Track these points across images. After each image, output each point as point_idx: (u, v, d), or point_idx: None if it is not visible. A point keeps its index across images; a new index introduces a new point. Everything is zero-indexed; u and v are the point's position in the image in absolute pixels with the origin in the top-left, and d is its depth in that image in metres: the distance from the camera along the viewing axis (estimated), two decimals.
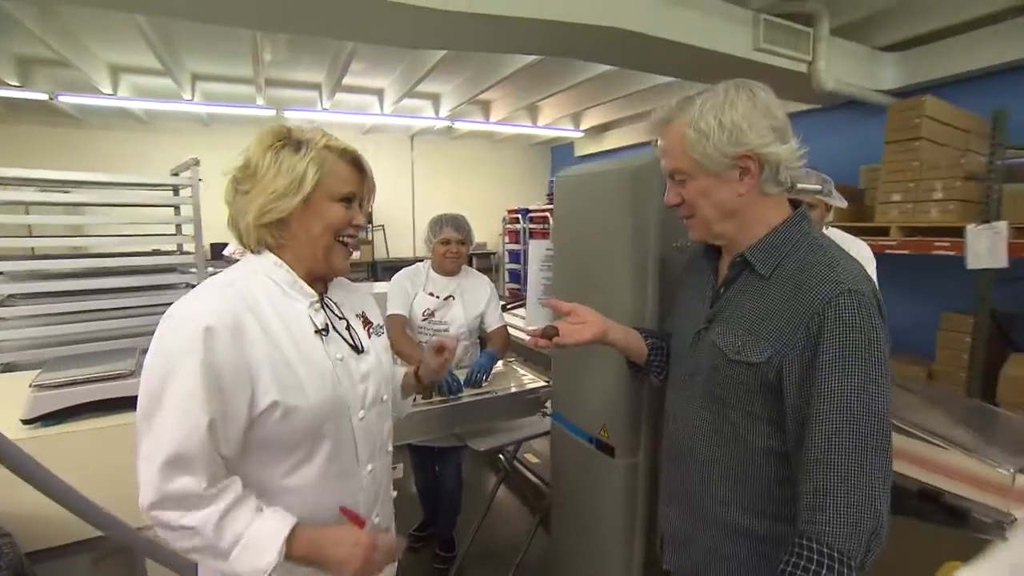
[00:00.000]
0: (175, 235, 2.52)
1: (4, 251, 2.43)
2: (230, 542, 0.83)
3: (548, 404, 2.01)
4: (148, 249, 2.53)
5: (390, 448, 1.14)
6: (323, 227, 0.96)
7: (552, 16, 2.98)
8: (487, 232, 9.19)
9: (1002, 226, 3.03)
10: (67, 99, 5.39)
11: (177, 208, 2.45)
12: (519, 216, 7.33)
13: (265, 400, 0.87)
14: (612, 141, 8.16)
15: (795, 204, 1.00)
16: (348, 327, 1.04)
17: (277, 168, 0.92)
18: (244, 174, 0.94)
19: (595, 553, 1.60)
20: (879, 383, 0.81)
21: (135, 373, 1.38)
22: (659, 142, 1.00)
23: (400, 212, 8.54)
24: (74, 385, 1.30)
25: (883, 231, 3.51)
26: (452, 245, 2.33)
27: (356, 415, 0.99)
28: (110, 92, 5.32)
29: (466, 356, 2.36)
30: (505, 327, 2.38)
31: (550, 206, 6.79)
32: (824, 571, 0.78)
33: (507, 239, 7.87)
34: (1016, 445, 1.20)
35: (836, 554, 0.78)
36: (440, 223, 2.36)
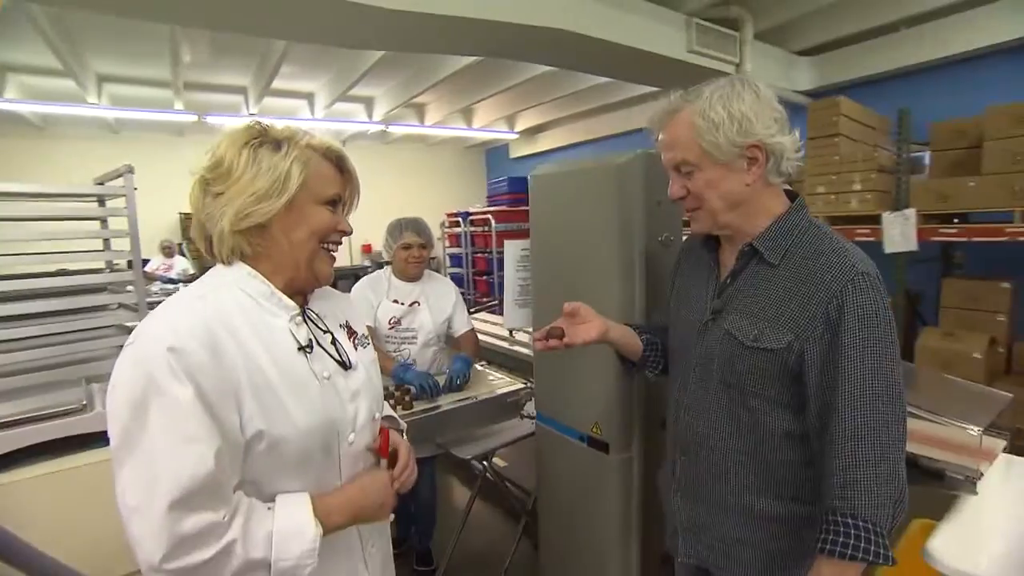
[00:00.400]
0: (103, 251, 2.28)
1: None
2: (264, 547, 0.75)
3: (527, 406, 2.00)
4: (74, 268, 2.27)
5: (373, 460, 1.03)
6: (308, 232, 0.87)
7: (494, 16, 2.98)
8: None
9: (911, 213, 3.35)
10: None
11: (105, 221, 2.22)
12: (459, 219, 7.27)
13: (249, 430, 0.77)
14: (547, 142, 8.29)
15: (790, 195, 1.04)
16: (333, 341, 0.95)
17: (257, 168, 0.82)
18: (216, 174, 0.83)
19: (591, 552, 1.60)
20: (895, 359, 0.87)
21: (88, 406, 1.22)
22: (660, 136, 1.01)
23: None
24: (15, 426, 1.13)
25: None
26: (414, 250, 2.26)
27: (346, 439, 0.90)
28: None
29: (434, 363, 2.30)
30: (474, 331, 2.35)
31: (492, 208, 6.80)
32: (862, 543, 0.81)
33: (447, 243, 7.78)
34: (971, 407, 1.32)
35: (871, 525, 0.82)
36: (400, 227, 2.28)
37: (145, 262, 3.54)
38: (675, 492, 1.09)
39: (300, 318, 0.90)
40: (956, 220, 3.54)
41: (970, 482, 1.17)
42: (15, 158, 6.16)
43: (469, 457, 1.74)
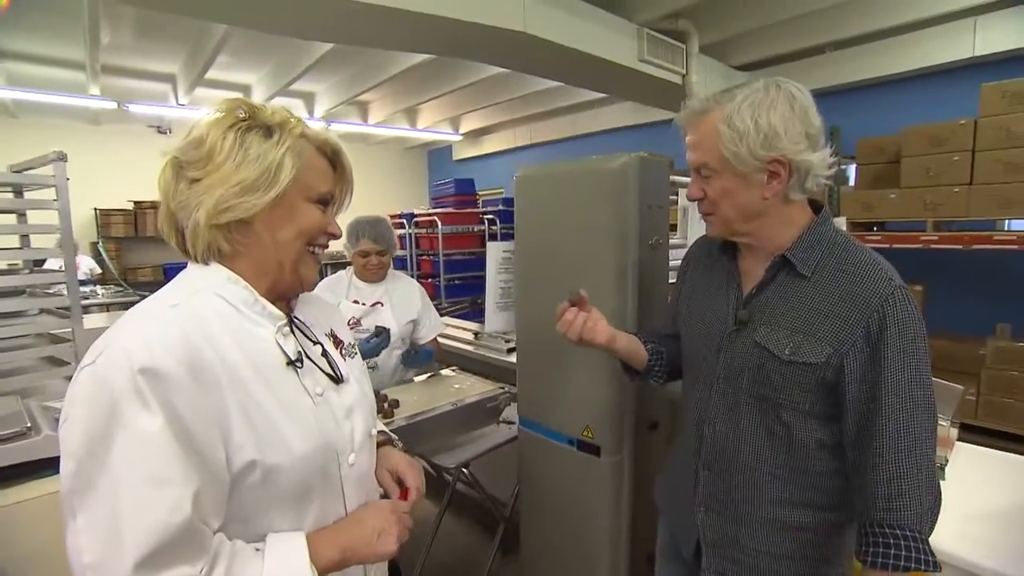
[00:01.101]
0: (19, 248, 2.02)
1: None
2: None
3: (505, 412, 1.96)
4: None
5: (382, 489, 0.94)
6: (295, 232, 0.77)
7: (448, 13, 2.91)
8: None
9: (843, 221, 3.63)
10: None
11: (23, 215, 1.97)
12: (404, 221, 7.09)
13: (239, 459, 0.67)
14: (490, 145, 8.29)
15: (814, 205, 1.01)
16: (324, 353, 0.85)
17: (243, 154, 0.72)
18: (194, 156, 0.73)
19: (579, 555, 1.59)
20: (928, 372, 0.88)
21: (34, 429, 1.05)
22: (689, 136, 0.99)
23: None
24: None
25: None
26: (372, 257, 2.14)
27: (347, 461, 0.81)
28: None
29: (398, 370, 2.21)
30: (436, 340, 2.29)
31: (438, 210, 6.68)
32: (912, 553, 0.83)
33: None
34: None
35: (917, 534, 0.83)
36: (356, 232, 2.12)
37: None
38: (698, 506, 1.06)
39: (287, 328, 0.80)
40: (875, 228, 3.88)
41: (940, 469, 1.26)
42: None
43: (452, 466, 1.68)
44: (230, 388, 0.68)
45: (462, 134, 8.08)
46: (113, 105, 5.05)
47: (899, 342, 0.86)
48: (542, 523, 1.70)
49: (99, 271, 5.46)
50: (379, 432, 1.05)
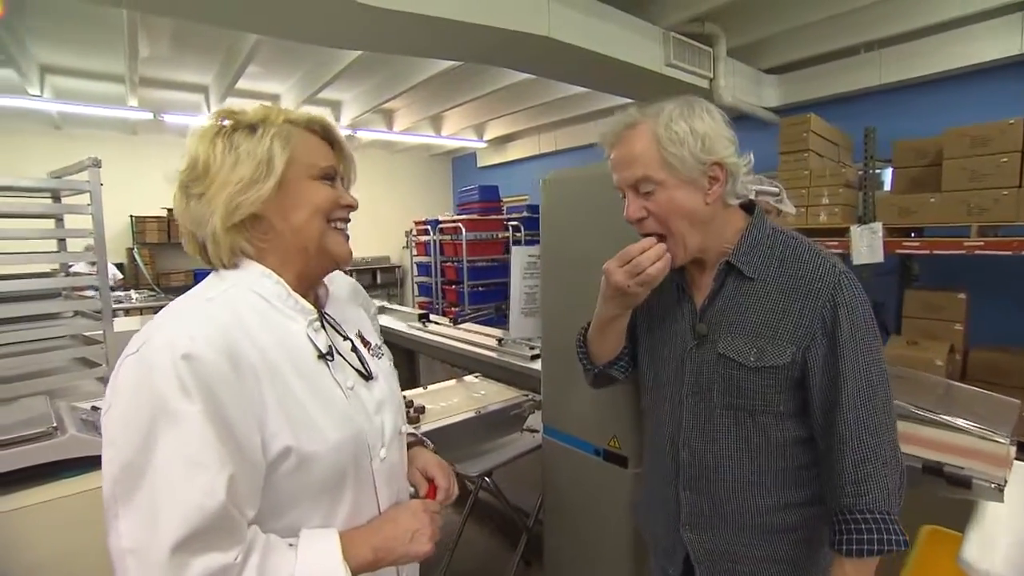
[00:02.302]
0: (57, 252, 2.07)
1: None
2: None
3: (530, 420, 1.92)
4: (32, 271, 2.06)
5: (412, 489, 0.95)
6: (310, 210, 0.78)
7: (474, 19, 2.93)
8: (389, 245, 8.88)
9: (878, 226, 3.49)
10: None
11: (60, 219, 2.02)
12: (428, 227, 7.14)
13: (275, 446, 0.68)
14: (515, 152, 8.29)
15: (745, 208, 1.01)
16: (353, 348, 0.86)
17: (235, 156, 0.74)
18: (192, 175, 0.75)
19: (603, 570, 1.54)
20: (880, 350, 0.90)
21: (60, 429, 1.06)
22: (613, 153, 0.97)
23: None
24: None
25: None
26: None
27: (378, 455, 0.81)
28: None
29: None
30: None
31: (463, 216, 6.71)
32: (883, 535, 0.84)
33: (415, 251, 7.63)
34: (987, 415, 1.34)
35: (886, 515, 0.85)
36: None
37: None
38: (683, 526, 1.03)
39: (319, 323, 0.81)
40: (912, 234, 3.73)
41: (998, 490, 1.18)
42: None
43: (475, 474, 1.65)
44: (267, 377, 0.69)
45: (487, 141, 8.11)
46: (149, 116, 5.22)
47: (851, 328, 0.88)
48: (566, 533, 1.65)
49: (121, 277, 5.61)
50: (409, 434, 1.04)
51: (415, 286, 7.71)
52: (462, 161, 9.63)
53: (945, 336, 3.52)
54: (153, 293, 4.53)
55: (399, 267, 8.99)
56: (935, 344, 3.48)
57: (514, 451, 1.71)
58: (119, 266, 6.09)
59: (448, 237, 6.78)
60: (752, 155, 0.98)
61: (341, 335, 0.85)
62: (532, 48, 3.31)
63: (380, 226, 8.69)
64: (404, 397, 1.93)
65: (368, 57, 4.29)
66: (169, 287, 6.07)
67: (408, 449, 1.01)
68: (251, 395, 0.67)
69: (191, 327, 0.66)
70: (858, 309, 0.89)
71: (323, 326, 0.81)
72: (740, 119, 4.90)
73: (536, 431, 1.80)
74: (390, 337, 3.39)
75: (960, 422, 1.29)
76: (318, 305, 0.86)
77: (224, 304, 0.72)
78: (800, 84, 4.66)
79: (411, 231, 7.63)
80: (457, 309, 6.17)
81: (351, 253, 0.85)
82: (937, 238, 3.49)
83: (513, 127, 7.39)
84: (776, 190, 1.94)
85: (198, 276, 6.90)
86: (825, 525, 0.93)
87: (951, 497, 1.25)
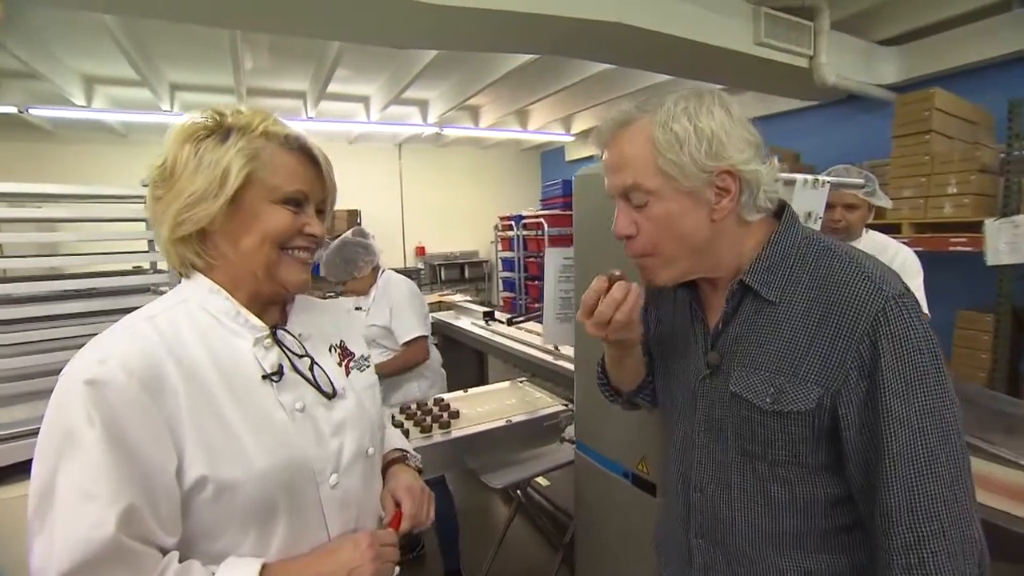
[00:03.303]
0: (147, 252, 2.32)
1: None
2: None
3: (568, 430, 1.84)
4: (128, 268, 2.34)
5: (383, 512, 0.89)
6: (259, 238, 0.74)
7: (549, 11, 2.85)
8: (478, 240, 9.03)
9: (1022, 220, 2.93)
10: (39, 112, 5.15)
11: (148, 222, 2.26)
12: (512, 223, 7.15)
13: (191, 474, 0.66)
14: None
15: (776, 213, 0.84)
16: (312, 365, 0.81)
17: (197, 163, 0.72)
18: (160, 175, 0.74)
19: None
20: (948, 401, 0.69)
21: None
22: (606, 155, 0.82)
23: (389, 222, 8.33)
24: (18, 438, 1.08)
25: (894, 228, 3.39)
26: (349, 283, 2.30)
27: (327, 481, 0.77)
28: (84, 104, 5.08)
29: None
30: (419, 342, 2.21)
31: (545, 211, 6.64)
32: None
33: (500, 247, 7.69)
34: None
35: None
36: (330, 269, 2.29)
37: None
38: (697, 572, 0.89)
39: (269, 340, 0.77)
40: None
41: None
42: (103, 163, 6.59)
43: (499, 486, 1.61)
44: (188, 401, 0.67)
45: (574, 134, 7.95)
46: None
47: (899, 371, 0.68)
48: (596, 556, 1.55)
49: None
50: (395, 449, 1.01)
51: (500, 281, 7.78)
52: (550, 155, 9.54)
53: None
54: None
55: (486, 262, 9.12)
56: None
57: (546, 464, 1.64)
58: None
59: (532, 232, 6.75)
60: (778, 160, 0.81)
61: (296, 353, 0.80)
62: (602, 36, 3.16)
63: (469, 221, 8.88)
64: (441, 400, 1.96)
65: (446, 55, 4.35)
66: None
67: (391, 466, 0.98)
68: (167, 420, 0.66)
69: (108, 349, 0.66)
70: (911, 345, 0.68)
71: (277, 343, 0.78)
72: (845, 102, 4.35)
73: (573, 442, 1.70)
74: (458, 335, 3.42)
75: None
76: (283, 317, 0.83)
77: (162, 323, 0.71)
78: (925, 55, 4.01)
79: (497, 226, 7.70)
80: (537, 306, 6.13)
81: (307, 282, 0.81)
82: None
83: (600, 119, 7.09)
84: (861, 181, 1.68)
85: None
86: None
87: None
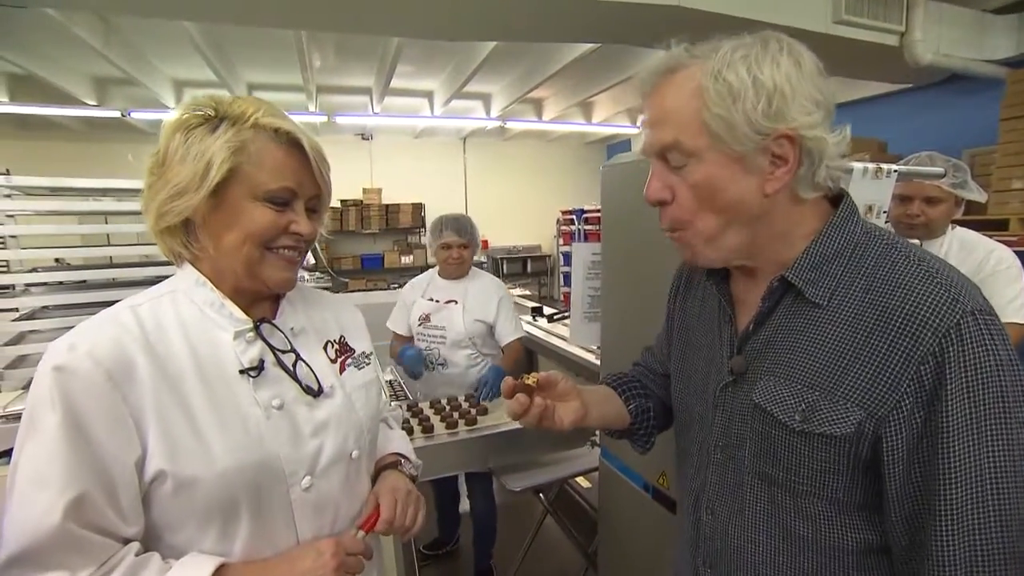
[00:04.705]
0: None
1: (89, 260, 2.43)
2: None
3: (597, 433, 1.75)
4: None
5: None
6: (240, 236, 0.71)
7: None
8: (541, 234, 8.97)
9: None
10: (138, 115, 5.64)
11: None
12: (574, 217, 7.04)
13: (151, 467, 0.65)
14: None
15: (833, 201, 0.71)
16: (296, 361, 0.78)
17: (185, 153, 0.70)
18: (153, 162, 0.73)
19: None
20: None
21: None
22: (648, 106, 0.69)
23: None
24: None
25: (1000, 224, 2.99)
26: (454, 250, 2.16)
27: (299, 483, 0.74)
28: (174, 107, 5.52)
29: (470, 369, 2.15)
30: (518, 341, 2.17)
31: None
32: None
33: (561, 241, 7.60)
34: None
35: None
36: (440, 226, 2.20)
37: None
38: None
39: (252, 334, 0.76)
40: None
41: None
42: None
43: (518, 489, 1.55)
44: (156, 394, 0.67)
45: (639, 126, 7.68)
46: (324, 118, 5.95)
47: (972, 403, 0.54)
48: (619, 568, 1.47)
49: (313, 261, 6.52)
50: (392, 453, 0.98)
51: (561, 276, 7.70)
52: (616, 148, 9.28)
53: None
54: (323, 276, 5.20)
55: (549, 256, 9.04)
56: None
57: (570, 469, 1.57)
58: (313, 252, 7.13)
59: (593, 227, 6.61)
60: (849, 129, 0.66)
61: (281, 349, 0.78)
62: (661, 20, 2.98)
63: (532, 215, 8.83)
64: (472, 395, 1.93)
65: (505, 47, 4.31)
66: (340, 270, 6.93)
67: (384, 470, 0.95)
68: (134, 411, 0.65)
69: (81, 337, 0.66)
70: (988, 374, 0.55)
71: (260, 337, 0.77)
72: (945, 82, 3.87)
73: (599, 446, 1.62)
74: None
75: None
76: (272, 310, 0.82)
77: (144, 312, 0.71)
78: None
79: (559, 220, 7.61)
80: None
81: (291, 280, 0.78)
82: None
83: None
84: (940, 171, 1.47)
85: (364, 261, 7.79)
86: None
87: None
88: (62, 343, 0.66)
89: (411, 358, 2.05)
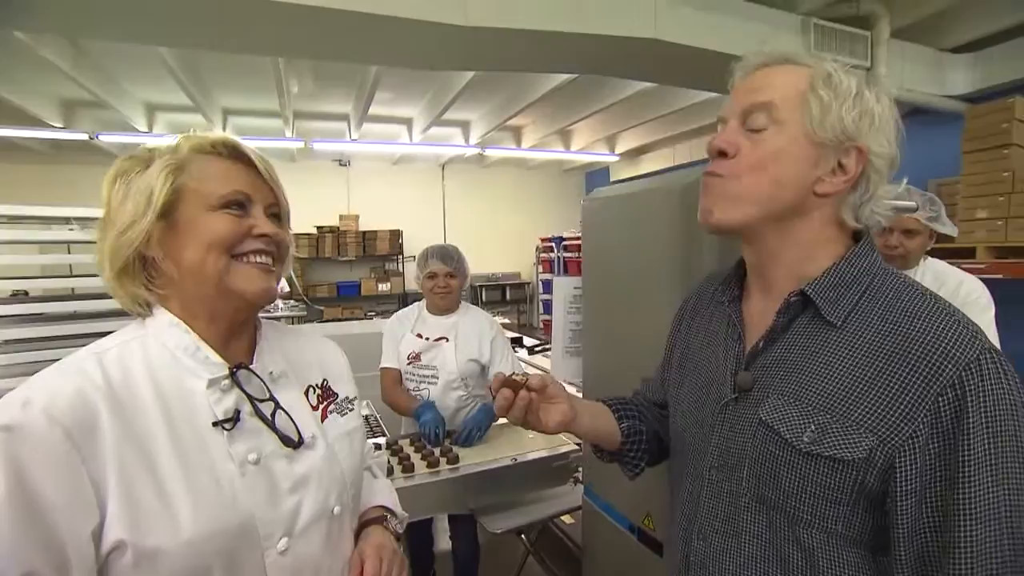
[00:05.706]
0: None
1: (50, 292, 2.31)
2: None
3: (580, 471, 1.69)
4: None
5: None
6: (202, 247, 0.68)
7: (585, 30, 2.77)
8: (520, 262, 8.97)
9: None
10: (107, 138, 5.50)
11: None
12: (553, 245, 7.07)
13: (109, 537, 0.59)
14: (649, 164, 7.86)
15: (855, 237, 0.73)
16: (275, 410, 0.73)
17: (125, 193, 0.69)
18: (101, 220, 0.71)
19: None
20: None
21: None
22: (751, 77, 0.71)
23: (432, 243, 8.34)
24: None
25: (968, 252, 3.06)
26: (440, 279, 2.03)
27: (275, 546, 0.67)
28: (146, 130, 5.41)
29: (460, 411, 2.01)
30: None
31: None
32: None
33: (541, 269, 7.60)
34: None
35: None
36: (426, 256, 2.10)
37: None
38: None
39: (228, 382, 0.69)
40: None
41: None
42: None
43: (499, 531, 1.47)
44: (120, 453, 0.60)
45: (619, 154, 7.81)
46: (301, 144, 5.90)
47: (991, 436, 0.54)
48: None
49: (288, 289, 6.37)
50: (376, 506, 0.91)
51: (540, 304, 7.68)
52: (595, 176, 9.41)
53: None
54: (297, 304, 5.08)
55: (528, 284, 9.03)
56: None
57: (552, 508, 1.50)
58: (288, 279, 6.98)
59: (572, 255, 6.64)
60: (906, 184, 0.73)
61: (259, 398, 0.71)
62: (639, 53, 3.04)
63: (511, 242, 8.83)
64: (453, 432, 1.84)
65: (485, 76, 4.34)
66: (315, 297, 6.78)
67: (368, 525, 0.87)
68: (93, 474, 0.59)
69: (38, 390, 0.60)
70: (1006, 409, 0.55)
71: (236, 384, 0.70)
72: (909, 115, 4.00)
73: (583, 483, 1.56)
74: None
75: None
76: (248, 355, 0.75)
77: (109, 360, 0.65)
78: (1001, 62, 3.66)
79: (539, 247, 7.62)
80: None
81: (269, 289, 0.73)
82: None
83: (646, 138, 7.01)
84: (913, 204, 1.48)
85: (340, 288, 7.66)
86: None
87: None
88: (16, 397, 0.59)
89: (428, 423, 1.83)
